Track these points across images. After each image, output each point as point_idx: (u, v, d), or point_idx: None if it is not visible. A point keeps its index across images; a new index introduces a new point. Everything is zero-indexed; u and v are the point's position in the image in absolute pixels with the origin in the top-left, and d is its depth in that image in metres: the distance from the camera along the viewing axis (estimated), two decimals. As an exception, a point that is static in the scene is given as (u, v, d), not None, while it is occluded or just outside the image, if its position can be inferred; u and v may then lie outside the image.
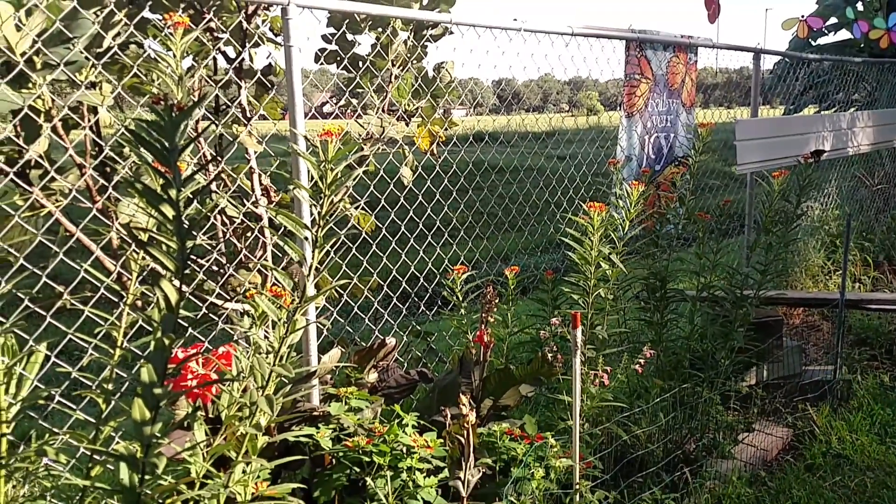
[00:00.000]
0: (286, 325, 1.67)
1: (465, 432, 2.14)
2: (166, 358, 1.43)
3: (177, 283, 1.28)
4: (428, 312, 3.95)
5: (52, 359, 2.35)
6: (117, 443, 2.21)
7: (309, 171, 2.63)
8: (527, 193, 4.64)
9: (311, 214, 2.78)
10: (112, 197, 2.68)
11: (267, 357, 1.77)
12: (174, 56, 1.90)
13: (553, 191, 4.63)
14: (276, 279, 1.65)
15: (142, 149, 1.21)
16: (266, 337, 1.77)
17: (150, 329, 1.52)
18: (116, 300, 2.44)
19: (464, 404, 2.12)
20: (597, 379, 2.92)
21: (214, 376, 2.03)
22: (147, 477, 1.43)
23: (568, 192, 4.58)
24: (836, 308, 4.54)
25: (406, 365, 3.50)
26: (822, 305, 5.22)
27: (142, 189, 1.23)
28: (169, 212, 1.24)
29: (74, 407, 2.21)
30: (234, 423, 1.76)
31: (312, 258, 1.65)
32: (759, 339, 4.15)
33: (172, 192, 1.25)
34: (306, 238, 1.64)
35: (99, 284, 2.41)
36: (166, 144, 1.26)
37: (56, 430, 2.31)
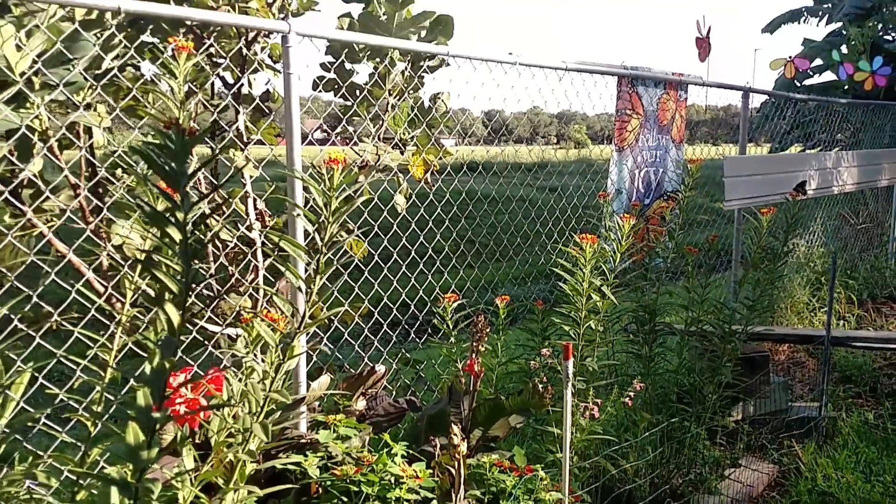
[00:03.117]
0: (282, 350, 1.66)
1: (456, 463, 2.13)
2: (164, 381, 1.42)
3: (179, 306, 1.27)
4: (418, 340, 3.94)
5: (39, 380, 2.32)
6: (103, 467, 2.19)
7: (305, 197, 2.64)
8: (518, 224, 4.66)
9: (304, 239, 2.79)
10: (105, 218, 2.67)
11: (260, 382, 1.76)
12: (176, 80, 1.91)
13: (544, 222, 4.66)
14: (273, 304, 1.65)
15: (149, 171, 1.21)
16: (261, 362, 1.76)
17: (141, 352, 1.51)
18: (107, 322, 2.43)
19: (455, 434, 2.11)
20: (587, 412, 2.91)
21: (204, 401, 2.01)
22: (139, 502, 1.41)
23: (559, 224, 4.61)
24: (821, 345, 4.57)
25: (394, 393, 3.48)
26: (808, 342, 5.26)
27: (149, 212, 1.23)
28: (176, 235, 1.24)
29: (60, 430, 2.18)
30: (223, 448, 1.74)
31: (313, 284, 1.65)
32: (745, 374, 4.17)
33: (180, 216, 1.25)
34: (309, 264, 1.64)
35: (89, 305, 2.39)
36: (175, 168, 1.27)
37: (41, 452, 2.28)
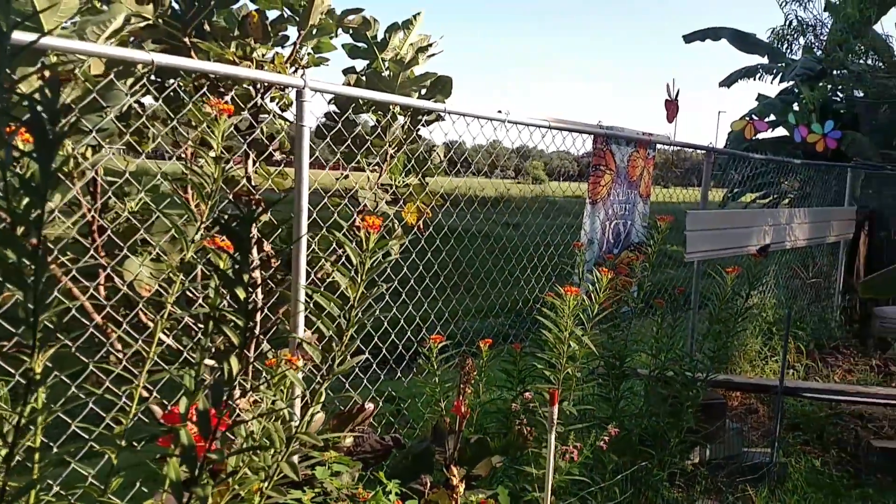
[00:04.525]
0: (311, 395, 1.80)
1: (453, 502, 2.28)
2: (209, 422, 1.56)
3: (239, 358, 1.42)
4: (396, 368, 4.05)
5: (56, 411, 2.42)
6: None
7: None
8: (482, 259, 4.80)
9: (306, 279, 2.95)
10: (114, 255, 2.78)
11: (282, 424, 1.90)
12: (215, 138, 2.07)
13: (507, 258, 4.83)
14: (304, 350, 1.80)
15: (224, 238, 1.37)
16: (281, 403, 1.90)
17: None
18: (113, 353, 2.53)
19: (454, 475, 2.27)
20: (566, 454, 3.10)
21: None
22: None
23: (521, 261, 4.80)
24: (775, 394, 4.85)
25: (379, 429, 3.62)
26: (764, 391, 5.55)
27: (221, 275, 1.38)
28: (241, 294, 1.39)
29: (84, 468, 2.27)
30: (238, 486, 1.87)
31: (346, 333, 1.81)
32: (704, 419, 4.41)
33: (245, 277, 1.40)
34: (341, 315, 1.79)
35: (105, 340, 2.50)
36: (242, 234, 1.42)
37: (51, 482, 2.37)
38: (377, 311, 3.09)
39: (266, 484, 1.84)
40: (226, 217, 1.41)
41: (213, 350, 1.47)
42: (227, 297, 1.46)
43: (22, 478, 1.54)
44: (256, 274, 3.05)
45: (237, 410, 2.23)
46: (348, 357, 1.79)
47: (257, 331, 2.96)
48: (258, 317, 3.02)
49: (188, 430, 1.67)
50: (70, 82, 2.28)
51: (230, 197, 1.73)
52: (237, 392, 1.44)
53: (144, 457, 2.27)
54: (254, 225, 3.22)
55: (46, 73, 2.23)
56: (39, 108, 1.34)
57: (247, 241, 1.45)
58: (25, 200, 1.41)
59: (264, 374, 2.10)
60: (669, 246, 7.94)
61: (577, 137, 4.46)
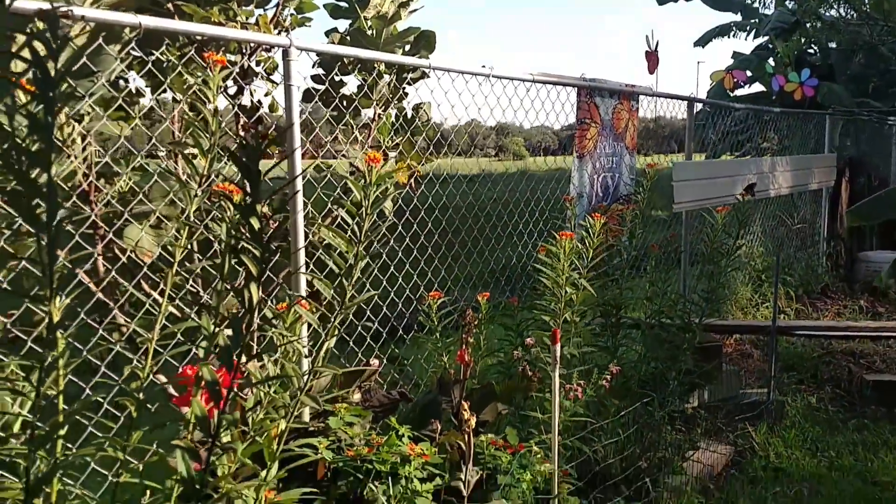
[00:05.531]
0: (324, 331, 1.84)
1: (466, 436, 2.34)
2: (233, 355, 1.60)
3: (258, 286, 1.46)
4: (405, 336, 4.08)
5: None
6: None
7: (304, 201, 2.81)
8: (468, 229, 4.77)
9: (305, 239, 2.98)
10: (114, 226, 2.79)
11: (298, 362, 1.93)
12: (210, 90, 2.09)
13: (493, 227, 4.82)
14: (319, 288, 1.83)
15: (232, 167, 1.40)
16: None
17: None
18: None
19: (465, 410, 2.32)
20: (571, 392, 3.16)
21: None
22: (213, 459, 1.58)
23: (507, 228, 4.80)
24: (768, 334, 4.94)
25: (384, 386, 3.67)
26: (758, 332, 5.64)
27: (238, 204, 1.41)
28: (255, 223, 1.43)
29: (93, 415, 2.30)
30: (267, 422, 1.91)
31: (355, 268, 1.84)
32: (701, 361, 4.50)
33: (258, 207, 1.44)
34: (354, 254, 1.83)
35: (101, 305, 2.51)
36: (251, 166, 1.46)
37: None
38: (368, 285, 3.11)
39: (284, 424, 1.88)
40: (233, 150, 1.44)
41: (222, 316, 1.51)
42: (243, 228, 1.49)
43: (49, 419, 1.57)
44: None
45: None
46: (350, 312, 1.83)
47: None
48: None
49: (210, 368, 1.71)
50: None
51: (240, 129, 1.75)
52: (255, 321, 1.47)
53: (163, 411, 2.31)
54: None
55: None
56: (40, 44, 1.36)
57: (257, 173, 1.48)
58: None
59: (272, 332, 2.13)
60: (655, 211, 8.02)
61: (560, 91, 4.49)
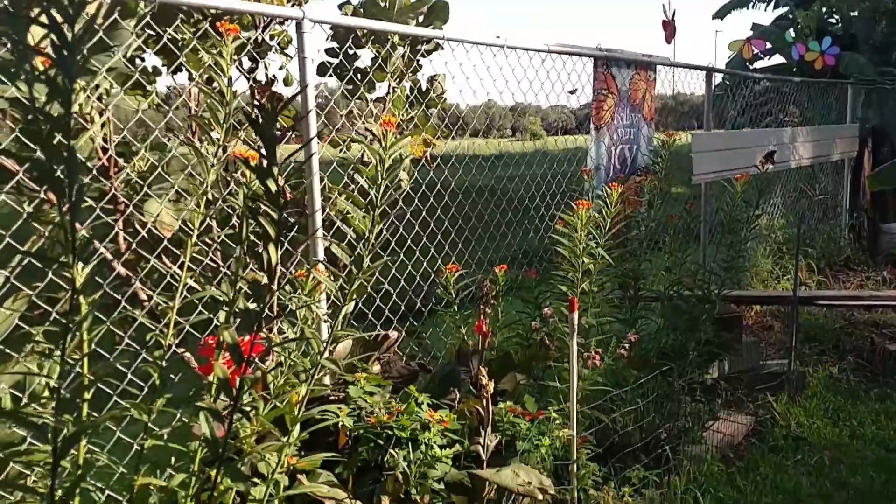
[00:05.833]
0: (343, 295, 1.86)
1: (485, 401, 2.35)
2: (254, 320, 1.62)
3: (276, 247, 1.48)
4: (423, 310, 4.07)
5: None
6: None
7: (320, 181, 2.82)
8: (478, 214, 4.71)
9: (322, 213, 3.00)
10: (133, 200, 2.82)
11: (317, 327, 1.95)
12: (224, 59, 2.10)
13: (503, 211, 4.75)
14: (337, 254, 1.85)
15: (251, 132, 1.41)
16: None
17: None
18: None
19: (483, 375, 2.34)
20: (589, 360, 3.17)
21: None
22: (235, 420, 1.60)
23: (518, 213, 4.74)
24: (789, 305, 4.91)
25: (404, 358, 3.70)
26: (778, 303, 5.60)
27: (255, 166, 1.43)
28: (272, 186, 1.44)
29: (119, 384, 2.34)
30: (288, 387, 1.94)
31: (371, 233, 1.86)
32: (721, 331, 4.48)
33: (275, 169, 1.45)
34: (371, 220, 1.84)
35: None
36: (267, 131, 1.47)
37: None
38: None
39: (305, 389, 1.91)
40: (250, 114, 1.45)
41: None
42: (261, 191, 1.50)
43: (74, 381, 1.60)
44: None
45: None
46: (368, 279, 1.84)
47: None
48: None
49: (232, 332, 1.73)
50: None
51: (255, 95, 1.77)
52: (274, 285, 1.49)
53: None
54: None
55: None
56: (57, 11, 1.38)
57: (273, 137, 1.50)
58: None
59: (290, 297, 2.15)
60: (675, 187, 7.95)
61: (577, 62, 4.45)
